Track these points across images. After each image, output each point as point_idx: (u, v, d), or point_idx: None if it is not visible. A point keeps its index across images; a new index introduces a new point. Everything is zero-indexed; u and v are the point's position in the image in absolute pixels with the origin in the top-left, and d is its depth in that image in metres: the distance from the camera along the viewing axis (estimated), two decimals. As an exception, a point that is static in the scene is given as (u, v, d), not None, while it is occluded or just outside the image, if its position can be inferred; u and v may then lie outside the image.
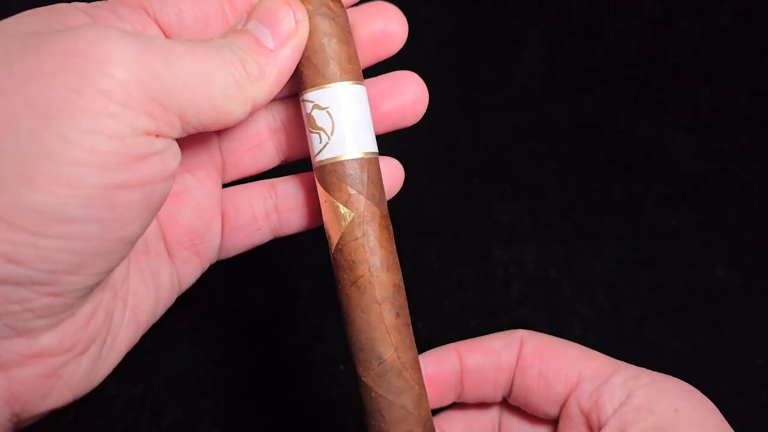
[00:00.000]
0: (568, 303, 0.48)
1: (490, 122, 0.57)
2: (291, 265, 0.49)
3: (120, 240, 0.23)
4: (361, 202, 0.28)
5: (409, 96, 0.30)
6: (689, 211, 0.52)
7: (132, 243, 0.24)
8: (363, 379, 0.28)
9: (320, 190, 0.29)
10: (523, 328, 0.31)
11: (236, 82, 0.25)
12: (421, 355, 0.30)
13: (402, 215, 0.51)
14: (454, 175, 0.54)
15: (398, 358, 0.28)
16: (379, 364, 0.28)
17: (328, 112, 0.28)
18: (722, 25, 0.63)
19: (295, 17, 0.27)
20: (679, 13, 0.63)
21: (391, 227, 0.29)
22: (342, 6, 0.29)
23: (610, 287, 0.49)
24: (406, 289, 0.30)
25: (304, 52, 0.28)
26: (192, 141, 0.29)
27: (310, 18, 0.28)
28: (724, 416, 0.27)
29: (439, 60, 0.60)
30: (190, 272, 0.30)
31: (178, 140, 0.25)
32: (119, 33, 0.23)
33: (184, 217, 0.29)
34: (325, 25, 0.28)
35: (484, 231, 0.51)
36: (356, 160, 0.28)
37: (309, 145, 0.29)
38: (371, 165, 0.29)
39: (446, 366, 0.31)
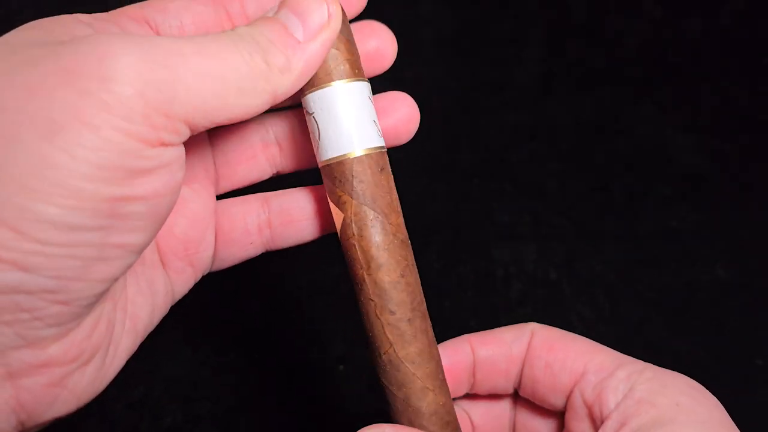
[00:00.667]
0: (568, 303, 0.48)
1: (490, 122, 0.57)
2: (292, 265, 0.49)
3: (123, 247, 0.24)
4: (350, 203, 0.29)
5: (402, 115, 0.31)
6: (689, 211, 0.52)
7: (138, 252, 0.24)
8: (374, 367, 0.30)
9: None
10: (537, 323, 0.32)
11: (252, 74, 0.25)
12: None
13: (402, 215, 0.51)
14: (454, 175, 0.54)
15: (395, 352, 0.29)
16: (380, 357, 0.29)
17: (314, 117, 0.29)
18: (722, 25, 0.63)
19: (328, 10, 0.27)
20: (679, 13, 0.63)
21: (389, 224, 0.29)
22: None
23: (610, 287, 0.49)
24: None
25: None
26: (187, 154, 0.30)
27: None
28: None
29: (439, 60, 0.60)
30: (183, 282, 0.31)
31: None
32: (119, 41, 0.23)
33: (179, 227, 0.30)
34: None
35: (484, 231, 0.51)
36: (340, 162, 0.29)
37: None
38: (358, 164, 0.29)
39: (461, 357, 0.32)
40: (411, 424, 0.29)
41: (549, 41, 0.62)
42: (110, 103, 0.22)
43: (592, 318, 0.47)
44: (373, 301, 0.29)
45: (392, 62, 0.32)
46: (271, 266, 0.49)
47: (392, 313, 0.29)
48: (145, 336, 0.29)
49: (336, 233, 0.30)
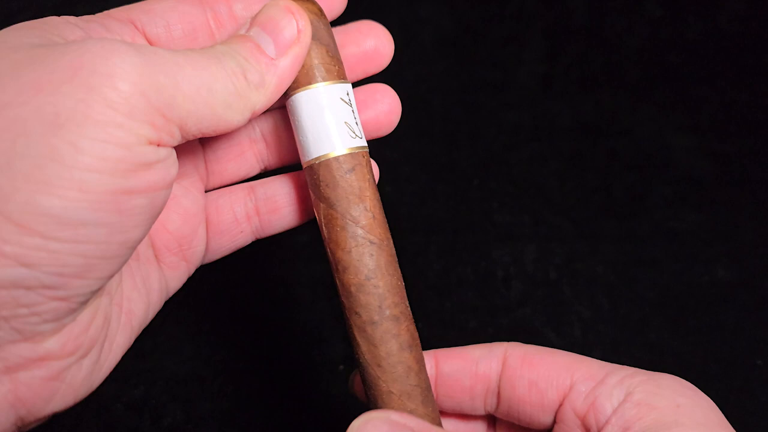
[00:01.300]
0: (568, 303, 0.48)
1: (490, 122, 0.57)
2: (292, 265, 0.49)
3: (124, 244, 0.24)
4: (320, 206, 0.30)
5: (384, 107, 0.32)
6: (689, 212, 0.52)
7: (133, 248, 0.25)
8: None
9: None
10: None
11: (237, 91, 0.26)
12: None
13: (402, 215, 0.51)
14: (453, 175, 0.54)
15: (363, 354, 0.29)
16: (355, 356, 0.30)
17: (294, 121, 0.30)
18: (722, 25, 0.63)
19: (297, 26, 0.28)
20: (679, 13, 0.63)
21: (358, 226, 0.29)
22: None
23: (610, 287, 0.49)
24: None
25: None
26: (179, 153, 0.30)
27: None
28: (724, 416, 0.27)
29: (439, 60, 0.60)
30: (177, 277, 0.31)
31: None
32: (124, 46, 0.24)
33: (172, 223, 0.31)
34: None
35: (484, 231, 0.51)
36: (310, 166, 0.30)
37: None
38: (324, 167, 0.29)
39: None
40: None
41: (549, 41, 0.62)
42: (114, 99, 0.23)
43: (592, 318, 0.47)
44: (342, 302, 0.30)
45: (389, 61, 0.32)
46: (272, 266, 0.49)
47: (358, 315, 0.29)
48: (140, 331, 0.29)
49: None
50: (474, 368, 0.31)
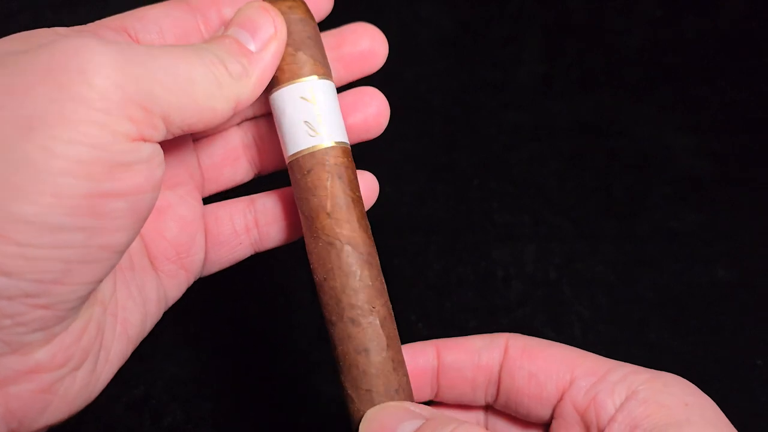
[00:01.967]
0: (568, 303, 0.48)
1: (490, 122, 0.57)
2: (292, 265, 0.49)
3: (107, 248, 0.23)
4: (299, 206, 0.30)
5: (372, 110, 0.32)
6: (689, 212, 0.52)
7: (120, 252, 0.24)
8: None
9: None
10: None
11: (217, 80, 0.26)
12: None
13: (402, 215, 0.51)
14: (453, 175, 0.54)
15: (332, 351, 0.30)
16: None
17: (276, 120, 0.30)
18: (722, 25, 0.63)
19: (274, 23, 0.28)
20: (679, 13, 0.63)
21: (315, 227, 0.29)
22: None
23: (610, 287, 0.49)
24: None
25: None
26: (172, 159, 0.30)
27: None
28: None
29: (439, 60, 0.60)
30: (176, 286, 0.31)
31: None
32: (96, 41, 0.23)
33: (169, 231, 0.30)
34: None
35: (484, 231, 0.51)
36: (288, 163, 0.30)
37: None
38: (289, 168, 0.30)
39: (422, 361, 0.31)
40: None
41: (549, 41, 0.62)
42: (88, 96, 0.22)
43: (592, 318, 0.47)
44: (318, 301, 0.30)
45: (384, 60, 0.33)
46: (272, 266, 0.49)
47: (321, 314, 0.30)
48: (138, 342, 0.29)
49: None
50: (476, 359, 0.31)
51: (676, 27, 0.62)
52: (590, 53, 0.61)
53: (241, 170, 0.33)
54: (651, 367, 0.29)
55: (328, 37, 0.32)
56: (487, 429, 0.32)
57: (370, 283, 0.29)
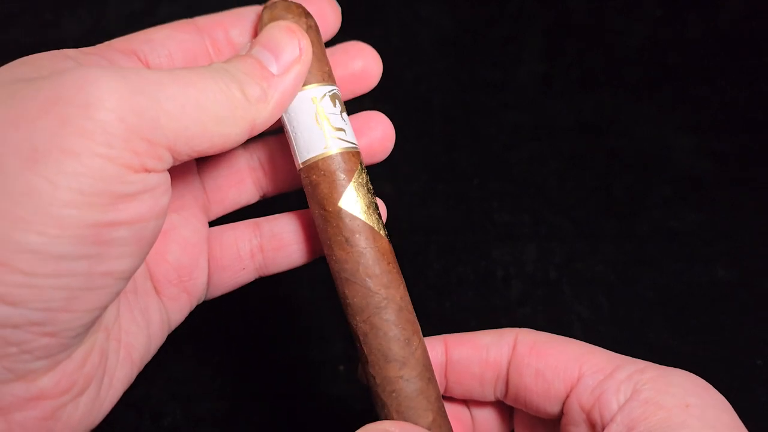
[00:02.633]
0: (568, 303, 0.48)
1: (490, 122, 0.57)
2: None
3: (111, 275, 0.24)
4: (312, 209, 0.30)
5: (377, 134, 0.32)
6: (689, 211, 0.52)
7: (125, 279, 0.24)
8: None
9: None
10: (523, 328, 0.31)
11: (230, 104, 0.25)
12: None
13: (402, 215, 0.51)
14: (453, 175, 0.54)
15: (356, 347, 0.29)
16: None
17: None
18: (722, 25, 0.63)
19: (299, 45, 0.28)
20: (680, 12, 0.63)
21: (329, 229, 0.29)
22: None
23: (610, 287, 0.49)
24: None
25: None
26: (176, 182, 0.30)
27: None
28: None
29: (439, 60, 0.60)
30: (178, 309, 0.31)
31: None
32: (102, 72, 0.23)
33: (171, 254, 0.30)
34: None
35: (484, 231, 0.51)
36: (299, 170, 0.30)
37: None
38: (308, 171, 0.29)
39: (431, 356, 0.31)
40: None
41: (549, 41, 0.62)
42: (90, 130, 0.22)
43: (592, 318, 0.47)
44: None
45: (377, 81, 0.33)
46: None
47: (342, 310, 0.30)
48: (143, 365, 0.29)
49: None
50: (484, 355, 0.30)
51: (676, 27, 0.62)
52: (590, 53, 0.61)
53: (246, 192, 0.33)
54: (651, 367, 0.29)
55: None
56: (513, 420, 0.32)
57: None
